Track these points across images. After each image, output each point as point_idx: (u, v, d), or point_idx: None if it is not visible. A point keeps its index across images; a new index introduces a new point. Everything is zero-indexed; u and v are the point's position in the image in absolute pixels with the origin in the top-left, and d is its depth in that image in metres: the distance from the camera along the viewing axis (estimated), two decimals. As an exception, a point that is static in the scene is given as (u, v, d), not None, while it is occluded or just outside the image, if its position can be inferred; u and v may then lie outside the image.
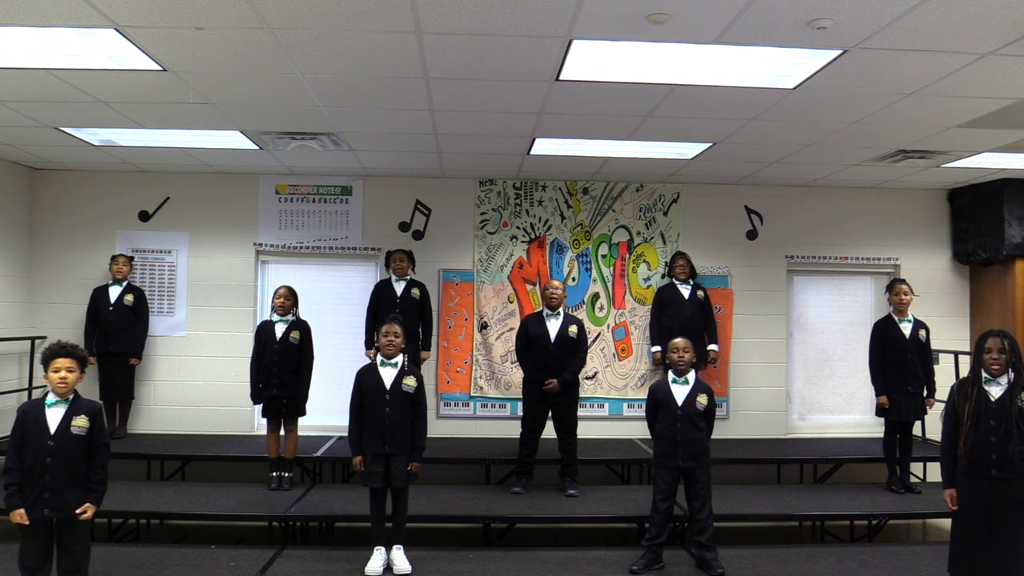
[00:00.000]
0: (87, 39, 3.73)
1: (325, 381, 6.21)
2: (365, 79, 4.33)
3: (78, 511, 3.59)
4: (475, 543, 5.35)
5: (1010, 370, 3.70)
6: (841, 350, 7.48)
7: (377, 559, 4.39)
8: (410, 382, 4.48)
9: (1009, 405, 3.64)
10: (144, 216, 7.04)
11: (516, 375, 6.75)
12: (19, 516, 3.52)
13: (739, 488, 5.93)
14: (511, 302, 7.17)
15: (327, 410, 6.39)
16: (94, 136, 5.71)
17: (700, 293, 6.76)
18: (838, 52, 3.79)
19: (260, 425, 6.49)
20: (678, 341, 4.56)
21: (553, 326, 5.70)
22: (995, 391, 3.71)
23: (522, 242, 7.21)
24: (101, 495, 3.68)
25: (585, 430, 6.30)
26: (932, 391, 5.85)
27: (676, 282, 6.78)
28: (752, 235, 7.37)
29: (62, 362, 3.59)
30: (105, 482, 3.70)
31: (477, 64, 4.05)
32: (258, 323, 6.33)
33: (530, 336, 5.71)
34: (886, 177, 6.85)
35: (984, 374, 3.75)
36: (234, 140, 5.76)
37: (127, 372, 6.56)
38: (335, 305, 7.11)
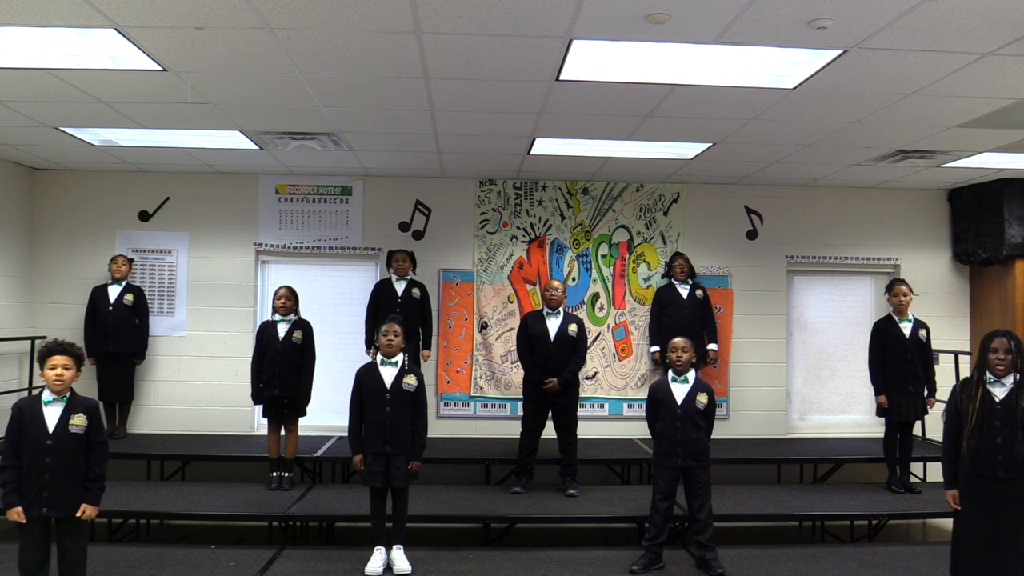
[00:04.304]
0: (87, 39, 3.73)
1: (325, 381, 6.19)
2: (365, 79, 4.33)
3: (77, 513, 3.57)
4: (475, 543, 5.35)
5: (1015, 371, 3.69)
6: (841, 350, 7.48)
7: (377, 559, 4.39)
8: (410, 381, 4.48)
9: (1015, 405, 3.64)
10: (144, 216, 7.05)
11: (516, 375, 6.75)
12: (16, 514, 3.51)
13: (739, 488, 5.93)
14: (511, 302, 7.17)
15: (327, 410, 6.39)
16: (94, 136, 5.71)
17: (699, 293, 6.77)
18: (838, 52, 3.79)
19: (260, 425, 6.49)
20: (678, 340, 4.56)
21: (553, 325, 5.70)
22: (999, 392, 3.70)
23: (522, 242, 7.20)
24: (99, 494, 3.66)
25: (585, 430, 6.30)
26: (932, 391, 5.86)
27: (675, 282, 6.79)
28: (752, 235, 7.37)
29: (58, 359, 3.58)
30: (103, 480, 3.68)
31: (477, 64, 4.05)
32: (259, 323, 6.34)
33: (530, 334, 5.71)
34: (886, 177, 6.85)
35: (989, 374, 3.74)
36: (234, 140, 5.76)
37: (126, 372, 6.56)
38: (335, 305, 7.10)
